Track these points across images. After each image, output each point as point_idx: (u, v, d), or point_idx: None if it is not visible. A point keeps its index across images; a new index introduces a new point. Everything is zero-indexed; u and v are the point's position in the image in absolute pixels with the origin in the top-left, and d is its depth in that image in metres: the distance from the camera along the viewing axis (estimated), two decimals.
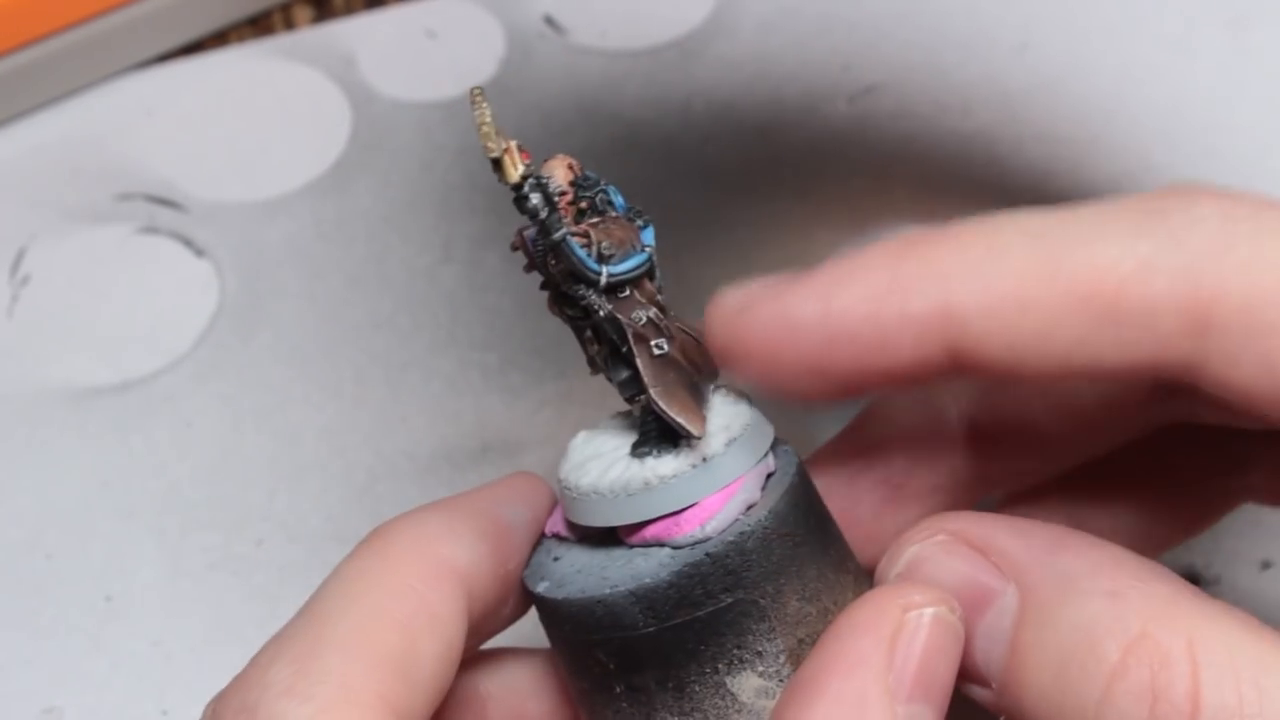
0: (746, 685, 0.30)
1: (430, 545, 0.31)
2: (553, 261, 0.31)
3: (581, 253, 0.31)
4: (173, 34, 0.60)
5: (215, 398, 0.51)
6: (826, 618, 0.30)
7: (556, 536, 0.32)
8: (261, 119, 0.59)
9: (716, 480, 0.31)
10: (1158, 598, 0.28)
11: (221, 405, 0.51)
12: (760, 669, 0.30)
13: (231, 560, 0.47)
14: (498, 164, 0.31)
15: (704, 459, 0.31)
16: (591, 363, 0.32)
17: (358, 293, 0.53)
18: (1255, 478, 0.38)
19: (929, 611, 0.30)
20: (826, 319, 0.31)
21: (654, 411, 0.31)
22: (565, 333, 0.33)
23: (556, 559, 0.32)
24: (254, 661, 0.29)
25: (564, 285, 0.32)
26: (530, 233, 0.32)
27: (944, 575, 0.30)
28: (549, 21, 0.61)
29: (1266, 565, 0.45)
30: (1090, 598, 0.29)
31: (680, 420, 0.31)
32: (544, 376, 0.51)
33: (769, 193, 0.55)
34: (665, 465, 0.31)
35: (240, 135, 0.58)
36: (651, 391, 0.31)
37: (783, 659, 0.30)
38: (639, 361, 0.31)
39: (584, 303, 0.31)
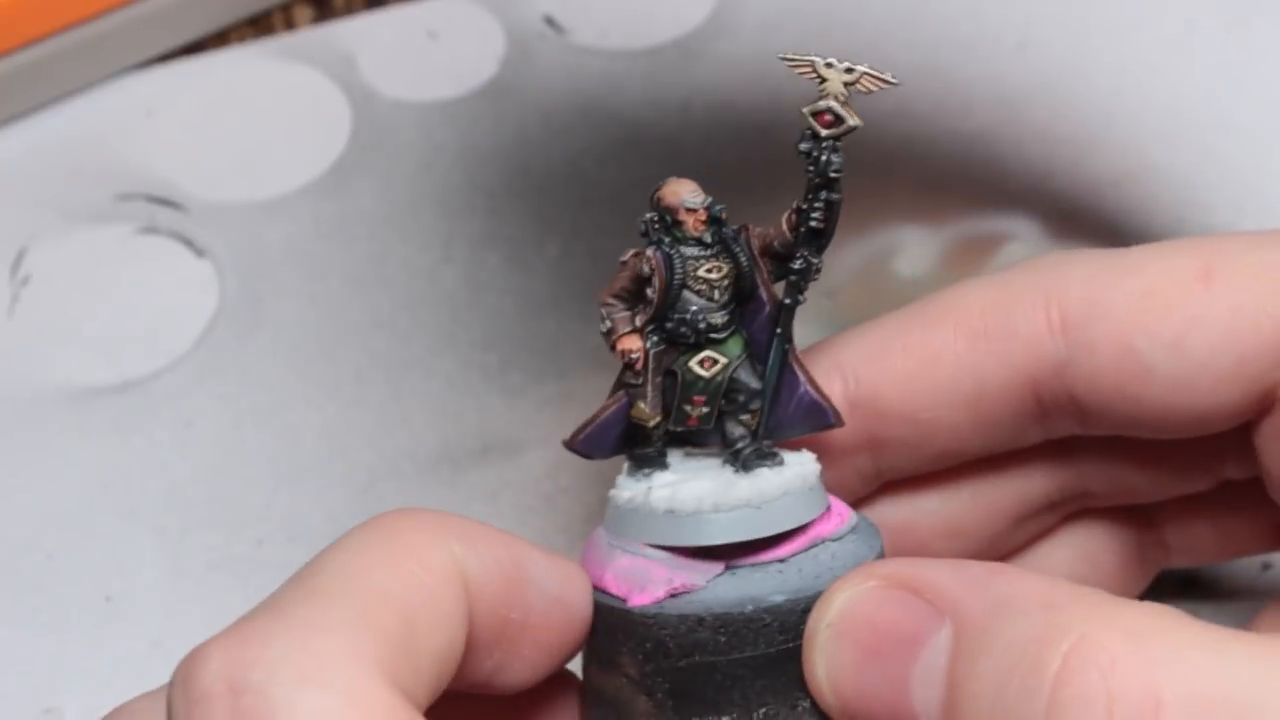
0: None
1: (445, 542, 0.29)
2: (819, 220, 0.32)
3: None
4: (173, 34, 0.60)
5: (215, 398, 0.51)
6: None
7: (659, 600, 0.31)
8: (261, 119, 0.59)
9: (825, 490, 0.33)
10: (1094, 604, 0.27)
11: (221, 405, 0.51)
12: None
13: (232, 560, 0.47)
14: (842, 109, 0.32)
15: (818, 468, 0.33)
16: (659, 389, 0.33)
17: (358, 293, 0.53)
18: (1170, 542, 0.41)
19: None
20: None
21: (799, 408, 0.33)
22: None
23: (702, 588, 0.31)
24: (246, 631, 0.27)
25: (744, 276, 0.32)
26: (656, 250, 0.32)
27: (875, 621, 0.30)
28: (549, 21, 0.61)
29: (1267, 566, 0.45)
30: (1024, 615, 0.28)
31: (837, 406, 0.33)
32: (545, 376, 0.51)
33: (769, 193, 0.55)
34: (800, 468, 0.33)
35: (240, 135, 0.58)
36: (813, 385, 0.33)
37: None
38: (795, 358, 0.33)
39: (806, 276, 0.32)
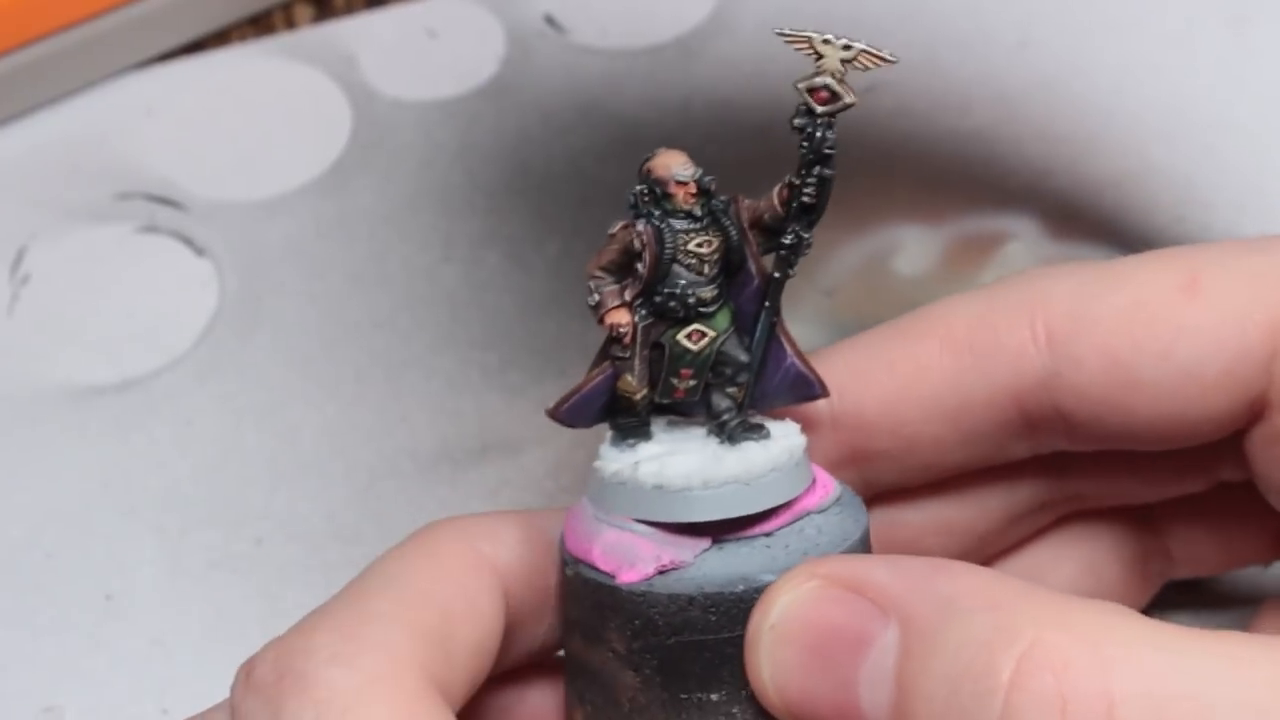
0: None
1: (472, 542, 0.32)
2: (812, 195, 0.32)
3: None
4: (173, 34, 0.60)
5: (215, 397, 0.51)
6: None
7: (648, 578, 0.31)
8: (261, 119, 0.59)
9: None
10: (1045, 604, 0.27)
11: (221, 404, 0.51)
12: None
13: (231, 559, 0.47)
14: (839, 85, 0.32)
15: (804, 440, 0.33)
16: (646, 362, 0.32)
17: (358, 292, 0.53)
18: (1174, 552, 0.41)
19: None
20: None
21: (785, 379, 0.33)
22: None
23: (690, 565, 0.31)
24: (296, 629, 0.30)
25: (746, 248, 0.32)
26: (647, 223, 0.32)
27: (819, 622, 0.29)
28: (549, 21, 0.61)
29: (1267, 564, 0.45)
30: (974, 615, 0.27)
31: (822, 377, 0.33)
32: (544, 375, 0.51)
33: (769, 192, 0.55)
34: (786, 441, 0.32)
35: (240, 135, 0.58)
36: (800, 357, 0.33)
37: None
38: (783, 331, 0.33)
39: (798, 250, 0.32)
